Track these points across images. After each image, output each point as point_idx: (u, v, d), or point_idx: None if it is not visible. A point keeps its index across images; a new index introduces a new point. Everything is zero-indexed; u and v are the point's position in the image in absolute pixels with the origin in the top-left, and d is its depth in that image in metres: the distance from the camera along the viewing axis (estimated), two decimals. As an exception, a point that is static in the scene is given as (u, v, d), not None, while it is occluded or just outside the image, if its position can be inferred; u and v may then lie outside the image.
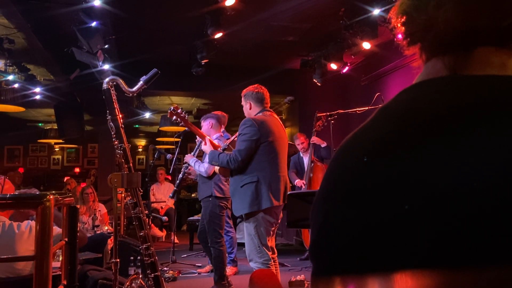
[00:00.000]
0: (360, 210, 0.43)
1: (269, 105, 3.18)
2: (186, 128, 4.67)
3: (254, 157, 2.91)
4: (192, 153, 4.07)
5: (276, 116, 3.15)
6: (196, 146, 4.05)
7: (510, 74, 0.47)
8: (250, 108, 3.10)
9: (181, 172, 4.18)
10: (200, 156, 4.11)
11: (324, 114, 4.75)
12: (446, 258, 0.37)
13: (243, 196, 2.89)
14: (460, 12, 0.48)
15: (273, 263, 2.92)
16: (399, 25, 0.55)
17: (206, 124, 4.05)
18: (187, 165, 4.04)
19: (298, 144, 5.39)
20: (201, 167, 3.91)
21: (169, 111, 3.47)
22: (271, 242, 3.07)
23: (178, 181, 4.25)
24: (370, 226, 0.42)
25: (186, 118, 3.54)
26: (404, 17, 0.54)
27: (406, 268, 0.38)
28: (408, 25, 0.54)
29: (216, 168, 3.20)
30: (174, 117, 3.48)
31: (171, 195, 4.43)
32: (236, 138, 3.14)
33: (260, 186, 2.86)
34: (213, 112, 4.31)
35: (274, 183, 2.90)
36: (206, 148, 3.28)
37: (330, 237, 0.46)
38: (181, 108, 3.55)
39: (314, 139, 5.05)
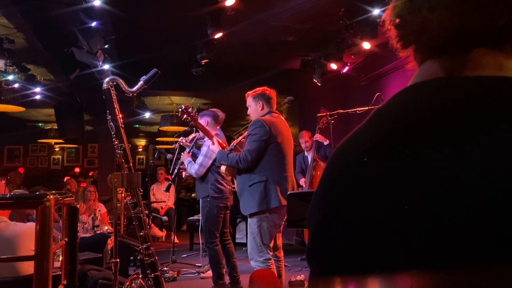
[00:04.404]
0: (359, 209, 0.43)
1: (275, 106, 3.22)
2: (186, 128, 4.68)
3: (263, 157, 2.94)
4: (187, 150, 4.05)
5: (282, 118, 3.19)
6: (192, 143, 4.03)
7: (507, 75, 0.48)
8: (262, 109, 3.14)
9: (177, 167, 4.17)
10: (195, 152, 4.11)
11: (324, 114, 4.75)
12: (446, 257, 0.37)
13: (252, 196, 2.91)
14: (454, 14, 0.48)
15: (274, 262, 2.94)
16: (393, 27, 0.55)
17: (201, 122, 3.90)
18: (181, 161, 4.05)
19: (303, 143, 5.36)
20: (192, 169, 3.88)
21: (180, 110, 3.47)
22: (278, 241, 3.11)
23: (173, 176, 4.23)
24: (369, 225, 0.42)
25: (196, 117, 3.55)
26: (398, 20, 0.54)
27: (406, 267, 0.38)
28: (402, 28, 0.54)
29: (223, 168, 3.20)
30: (185, 116, 3.47)
31: (165, 188, 4.48)
32: (243, 139, 3.15)
33: (269, 186, 2.89)
34: (210, 110, 4.18)
35: (282, 183, 2.94)
36: (214, 148, 3.29)
37: (329, 237, 0.46)
38: (192, 107, 3.55)
39: (317, 136, 5.03)
